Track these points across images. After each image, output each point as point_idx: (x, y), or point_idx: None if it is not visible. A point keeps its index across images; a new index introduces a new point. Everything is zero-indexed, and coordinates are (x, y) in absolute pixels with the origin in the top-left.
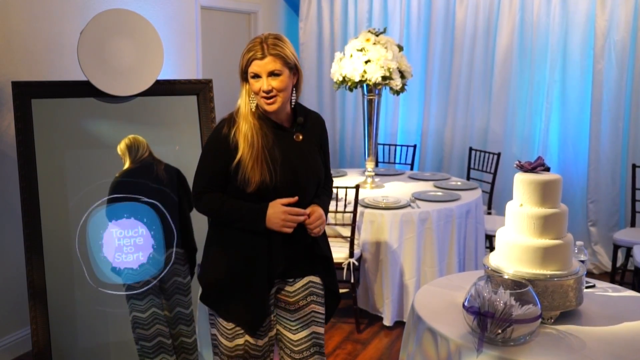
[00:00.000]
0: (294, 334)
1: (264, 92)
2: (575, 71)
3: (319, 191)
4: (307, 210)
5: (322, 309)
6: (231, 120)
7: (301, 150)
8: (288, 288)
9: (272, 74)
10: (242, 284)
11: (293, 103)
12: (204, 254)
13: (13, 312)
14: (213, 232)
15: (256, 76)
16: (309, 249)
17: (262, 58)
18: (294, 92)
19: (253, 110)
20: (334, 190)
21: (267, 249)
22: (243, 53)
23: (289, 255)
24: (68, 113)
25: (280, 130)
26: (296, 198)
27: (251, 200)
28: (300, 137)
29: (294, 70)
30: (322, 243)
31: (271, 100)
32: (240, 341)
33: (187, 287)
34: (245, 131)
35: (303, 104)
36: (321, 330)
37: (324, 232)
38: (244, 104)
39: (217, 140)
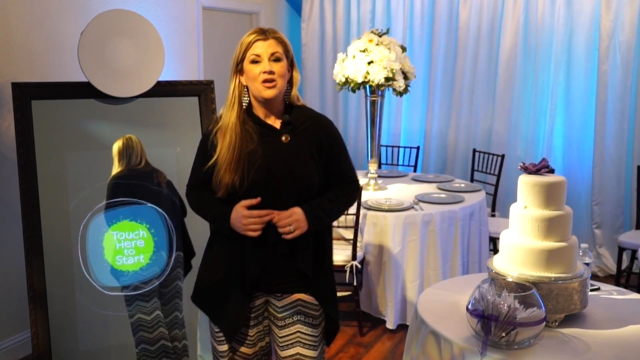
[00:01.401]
0: (281, 350)
1: (265, 72)
2: (579, 72)
3: (310, 198)
4: (287, 212)
5: (310, 331)
6: (217, 119)
7: (286, 153)
8: (276, 303)
9: (274, 58)
10: (221, 288)
11: (287, 99)
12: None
13: (13, 315)
14: (211, 231)
15: (256, 61)
16: (290, 264)
17: (265, 39)
18: (288, 88)
19: (245, 106)
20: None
21: (241, 254)
22: (241, 41)
23: (264, 264)
24: (68, 114)
25: (267, 129)
26: (258, 199)
27: (225, 203)
28: (288, 138)
29: (290, 64)
30: (303, 257)
31: (271, 84)
32: (225, 347)
33: (182, 290)
34: (225, 134)
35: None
36: (309, 352)
37: (324, 247)
38: (230, 104)
39: (203, 138)
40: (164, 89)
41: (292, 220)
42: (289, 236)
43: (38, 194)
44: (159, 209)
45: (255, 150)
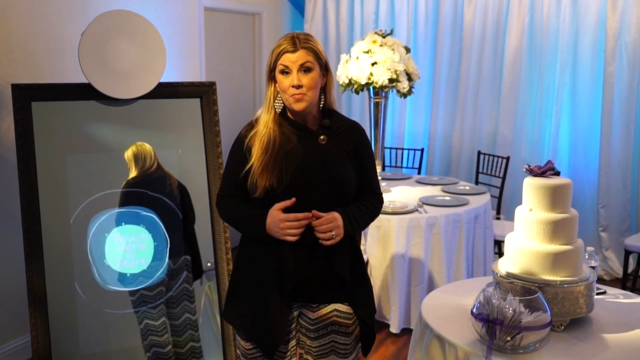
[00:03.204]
0: (315, 359)
1: (293, 87)
2: (585, 74)
3: (346, 201)
4: (329, 217)
5: (345, 339)
6: (252, 123)
7: (323, 153)
8: (310, 314)
9: (304, 69)
10: (259, 300)
11: (321, 105)
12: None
13: (13, 319)
14: (241, 239)
15: (285, 71)
16: (328, 268)
17: (294, 51)
18: (323, 95)
19: (279, 111)
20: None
21: (278, 261)
22: (272, 49)
23: (302, 269)
24: (69, 116)
25: (305, 131)
26: (293, 200)
27: (261, 204)
28: (326, 139)
29: (324, 70)
30: (340, 260)
31: (299, 97)
32: None
33: (193, 293)
34: (262, 136)
35: None
36: None
37: (357, 252)
38: (267, 108)
39: (235, 143)
40: (165, 91)
41: (334, 226)
42: (329, 242)
43: (38, 197)
44: (158, 214)
45: (293, 150)
